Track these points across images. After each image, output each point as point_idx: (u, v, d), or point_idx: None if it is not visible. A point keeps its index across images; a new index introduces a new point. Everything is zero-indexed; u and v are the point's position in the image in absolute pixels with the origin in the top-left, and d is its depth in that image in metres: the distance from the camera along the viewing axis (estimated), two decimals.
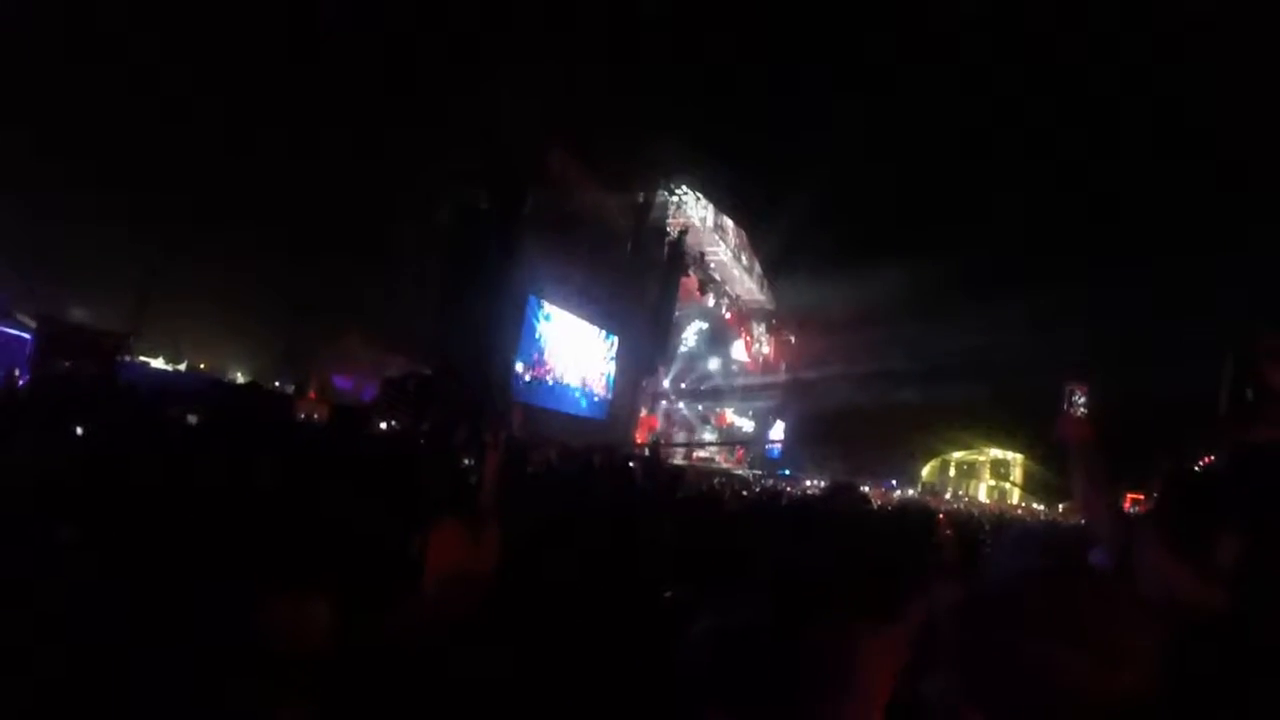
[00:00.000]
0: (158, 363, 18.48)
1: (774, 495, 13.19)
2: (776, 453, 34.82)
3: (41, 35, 16.75)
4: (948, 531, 6.47)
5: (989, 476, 43.67)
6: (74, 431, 4.19)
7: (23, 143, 16.53)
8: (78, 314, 16.58)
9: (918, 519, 3.55)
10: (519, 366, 19.36)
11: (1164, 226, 34.22)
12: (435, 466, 4.74)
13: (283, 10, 20.32)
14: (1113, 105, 34.07)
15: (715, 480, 17.40)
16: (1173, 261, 31.08)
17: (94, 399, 5.66)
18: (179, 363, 19.44)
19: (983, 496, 40.97)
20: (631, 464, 9.93)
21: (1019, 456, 42.86)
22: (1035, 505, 35.59)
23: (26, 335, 13.37)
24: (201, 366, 20.05)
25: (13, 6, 16.17)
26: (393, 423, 10.67)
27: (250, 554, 2.43)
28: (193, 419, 5.26)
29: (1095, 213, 35.99)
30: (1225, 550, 1.31)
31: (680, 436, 29.31)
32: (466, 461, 5.69)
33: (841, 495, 4.06)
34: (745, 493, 13.66)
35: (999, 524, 13.08)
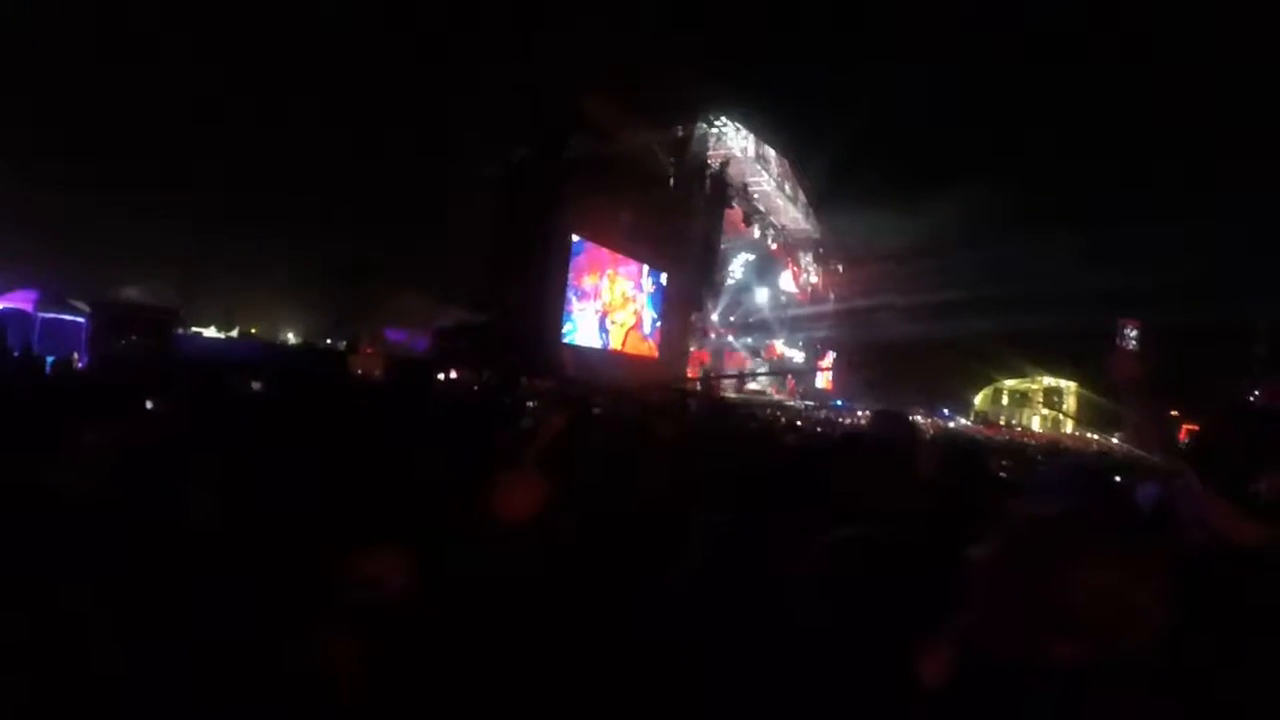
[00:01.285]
0: (210, 332, 18.92)
1: (829, 425, 13.23)
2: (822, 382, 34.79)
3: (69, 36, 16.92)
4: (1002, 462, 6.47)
5: (1042, 405, 42.72)
6: (142, 406, 4.27)
7: (64, 132, 16.92)
8: (130, 293, 17.01)
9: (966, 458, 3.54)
10: (568, 308, 19.51)
11: (1228, 157, 32.80)
12: (497, 415, 4.89)
13: None
14: (1175, 37, 32.24)
15: (767, 411, 17.47)
16: (1233, 193, 29.92)
17: (154, 373, 5.88)
18: (230, 330, 19.87)
19: (1036, 426, 40.16)
20: (688, 400, 10.04)
21: (1072, 385, 41.77)
22: (1090, 434, 34.95)
23: (81, 320, 13.75)
24: (253, 331, 20.46)
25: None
26: (451, 374, 10.93)
27: (326, 509, 2.58)
28: (256, 385, 5.43)
29: (1157, 140, 34.47)
30: (1267, 487, 1.34)
31: (731, 370, 29.35)
32: (530, 404, 5.87)
33: (887, 424, 4.09)
34: (799, 423, 13.72)
35: (1052, 455, 12.93)
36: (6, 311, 13.37)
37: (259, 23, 19.25)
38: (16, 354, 9.16)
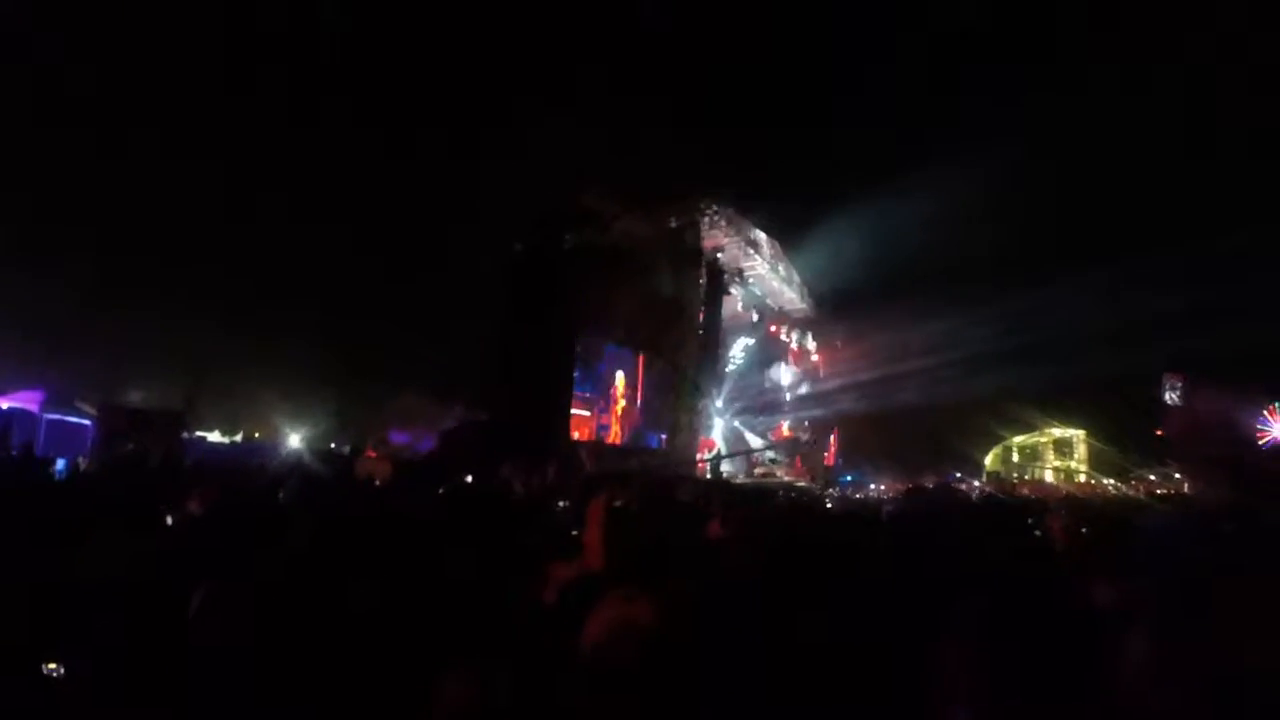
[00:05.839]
0: (214, 436, 18.89)
1: (841, 503, 12.99)
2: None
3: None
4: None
5: (1053, 458, 42.28)
6: (163, 522, 4.17)
7: (76, 237, 17.18)
8: (135, 397, 16.96)
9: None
10: (574, 403, 19.47)
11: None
12: (534, 517, 4.80)
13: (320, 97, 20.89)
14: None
15: (780, 493, 17.23)
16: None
17: (170, 483, 5.82)
18: (234, 434, 19.80)
19: (1049, 478, 39.78)
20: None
21: (1081, 433, 41.50)
22: (1105, 481, 34.78)
23: (87, 422, 13.75)
24: (256, 435, 20.38)
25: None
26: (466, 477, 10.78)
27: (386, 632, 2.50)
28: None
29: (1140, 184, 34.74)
30: None
31: (737, 450, 29.21)
32: (561, 504, 5.79)
33: (936, 495, 4.08)
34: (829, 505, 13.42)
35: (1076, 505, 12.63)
36: (11, 411, 13.25)
37: (261, 130, 19.75)
38: (15, 454, 9.00)
